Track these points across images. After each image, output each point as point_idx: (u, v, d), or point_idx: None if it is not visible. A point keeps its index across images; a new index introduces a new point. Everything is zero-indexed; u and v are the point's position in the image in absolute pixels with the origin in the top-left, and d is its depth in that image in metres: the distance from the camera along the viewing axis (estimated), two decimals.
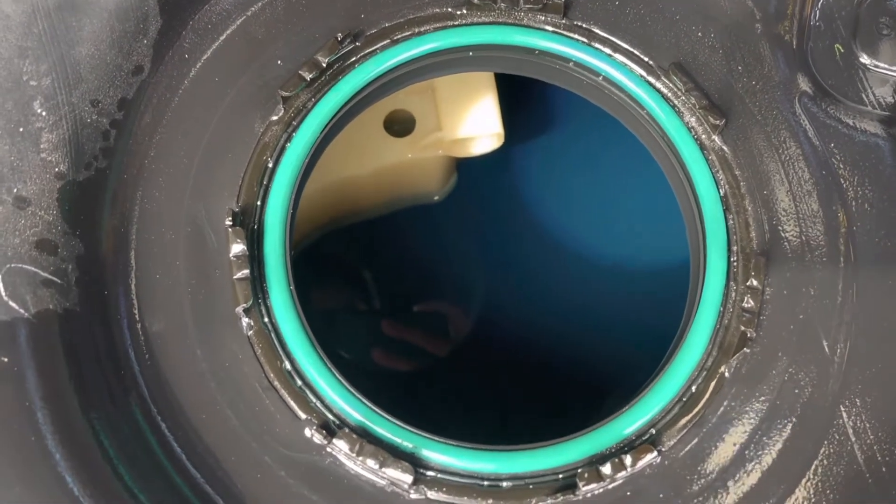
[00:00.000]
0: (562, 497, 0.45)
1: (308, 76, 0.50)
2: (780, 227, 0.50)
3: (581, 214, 0.81)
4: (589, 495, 0.45)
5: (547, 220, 0.81)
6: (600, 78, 0.53)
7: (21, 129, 0.46)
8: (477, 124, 0.69)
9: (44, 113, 0.46)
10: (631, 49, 0.53)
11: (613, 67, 0.53)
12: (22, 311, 0.43)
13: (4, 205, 0.45)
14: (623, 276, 0.79)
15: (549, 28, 0.53)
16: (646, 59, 0.53)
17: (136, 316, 0.47)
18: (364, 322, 0.80)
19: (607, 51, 0.53)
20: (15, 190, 0.45)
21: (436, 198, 0.80)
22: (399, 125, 0.72)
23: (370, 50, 0.52)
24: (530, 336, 0.78)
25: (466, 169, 0.80)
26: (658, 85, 0.52)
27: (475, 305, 0.81)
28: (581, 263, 0.80)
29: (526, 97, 0.80)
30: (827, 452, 0.47)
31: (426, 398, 0.73)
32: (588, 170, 0.82)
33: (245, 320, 0.46)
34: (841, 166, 0.52)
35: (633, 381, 0.52)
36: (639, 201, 0.79)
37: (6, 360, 0.42)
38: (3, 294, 0.43)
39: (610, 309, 0.78)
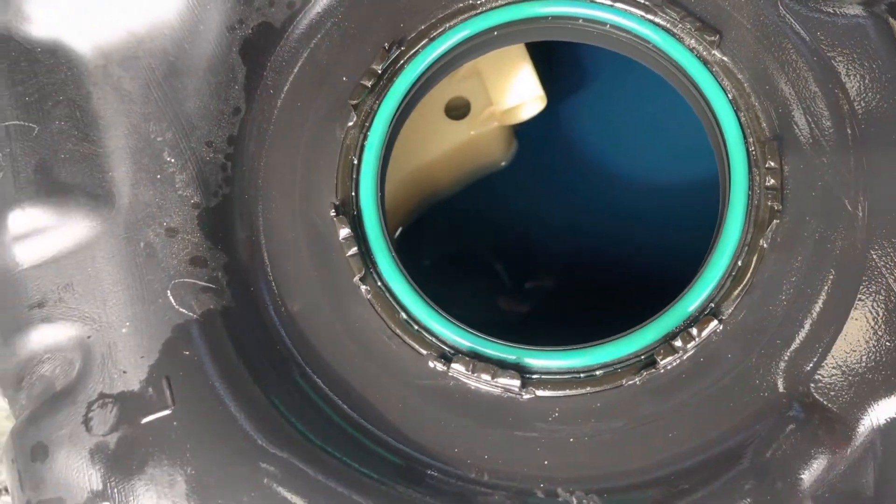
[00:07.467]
0: (646, 373, 0.48)
1: (369, 84, 0.55)
2: (786, 114, 0.52)
3: (626, 145, 0.83)
4: (669, 367, 0.49)
5: (599, 156, 0.83)
6: (607, 27, 0.56)
7: (159, 176, 0.52)
8: (521, 92, 0.73)
9: (172, 160, 0.52)
10: None
11: (616, 14, 0.56)
12: (190, 314, 0.49)
13: (160, 236, 0.51)
14: (666, 191, 0.81)
15: None
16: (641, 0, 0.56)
17: (280, 301, 0.52)
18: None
19: (608, 2, 0.56)
20: (165, 223, 0.51)
21: (503, 164, 0.83)
22: (457, 110, 0.75)
23: (414, 51, 0.56)
24: (592, 252, 0.81)
25: (524, 134, 0.83)
26: (657, 20, 0.55)
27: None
28: (630, 186, 0.82)
29: (560, 58, 0.83)
30: (866, 291, 0.49)
31: (521, 321, 0.77)
32: (628, 104, 0.83)
33: (363, 287, 0.51)
34: (830, 51, 0.53)
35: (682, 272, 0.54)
36: (676, 123, 0.80)
37: (187, 353, 0.48)
38: (174, 304, 0.49)
39: (656, 218, 0.80)
